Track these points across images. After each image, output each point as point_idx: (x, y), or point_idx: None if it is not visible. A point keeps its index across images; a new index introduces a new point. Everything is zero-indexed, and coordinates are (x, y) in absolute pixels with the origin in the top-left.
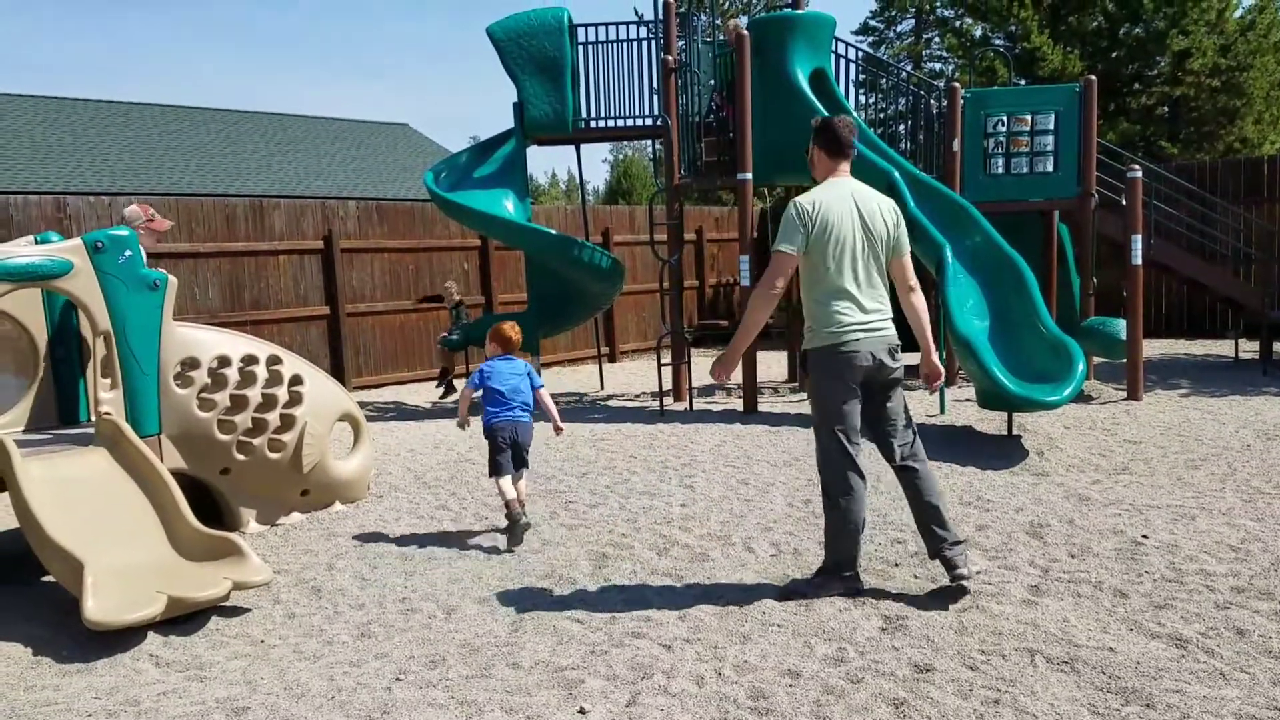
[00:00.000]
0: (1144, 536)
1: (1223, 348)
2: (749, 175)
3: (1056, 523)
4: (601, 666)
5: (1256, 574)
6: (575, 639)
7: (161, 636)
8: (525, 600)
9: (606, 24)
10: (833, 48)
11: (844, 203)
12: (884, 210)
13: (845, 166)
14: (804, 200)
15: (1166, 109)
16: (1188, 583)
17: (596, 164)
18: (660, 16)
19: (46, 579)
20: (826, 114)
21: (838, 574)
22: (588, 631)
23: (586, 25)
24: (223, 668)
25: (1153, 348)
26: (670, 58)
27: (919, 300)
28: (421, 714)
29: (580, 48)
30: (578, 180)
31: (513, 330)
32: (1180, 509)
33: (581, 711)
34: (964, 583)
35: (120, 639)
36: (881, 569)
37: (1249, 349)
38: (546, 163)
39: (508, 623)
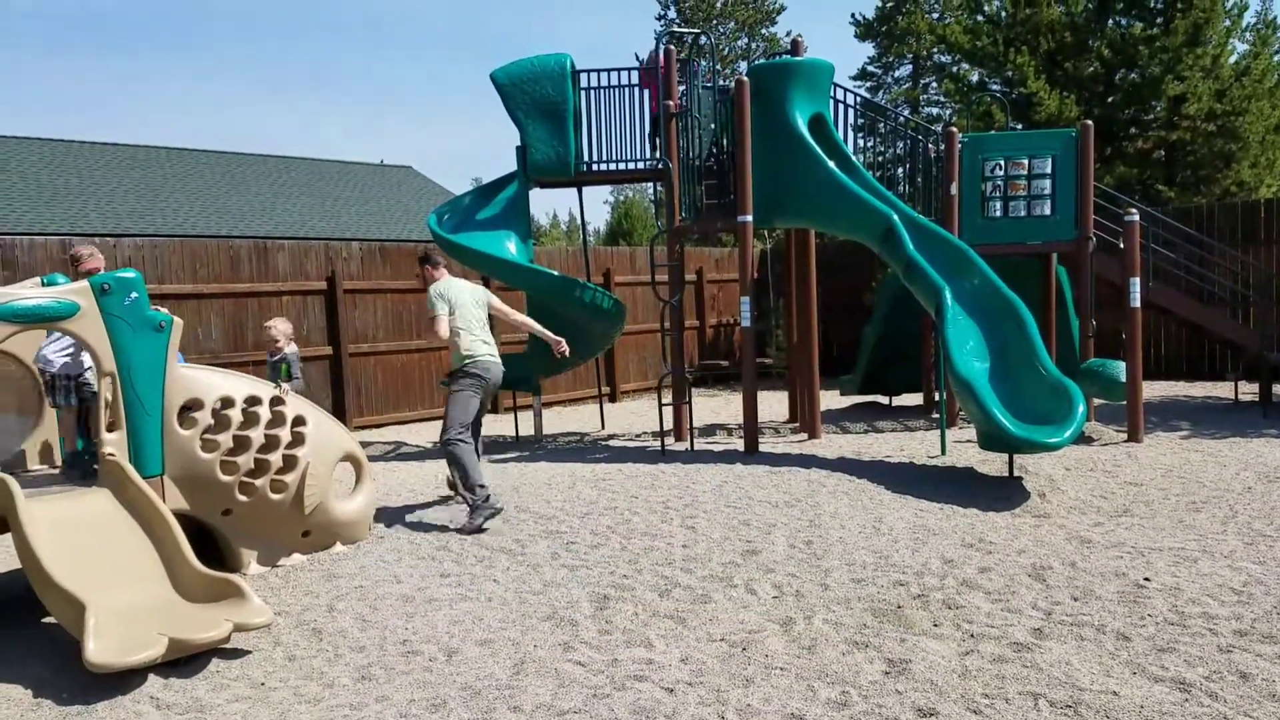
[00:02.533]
0: (1146, 579)
1: (1222, 390)
2: (749, 218)
3: (1059, 565)
4: (604, 710)
5: (1259, 617)
6: (577, 682)
7: (162, 679)
8: (526, 642)
9: (608, 69)
10: (831, 93)
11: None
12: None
13: (444, 271)
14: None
15: (1163, 153)
16: (1190, 626)
17: (597, 205)
18: (661, 62)
19: (48, 620)
20: (826, 159)
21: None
22: (589, 674)
23: (589, 71)
24: (223, 710)
25: (1152, 390)
26: (671, 102)
27: (519, 316)
28: None
29: (582, 93)
30: (579, 221)
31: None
32: (1182, 552)
33: None
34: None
35: (121, 681)
36: (884, 611)
37: (1249, 391)
38: (548, 204)
39: (509, 665)
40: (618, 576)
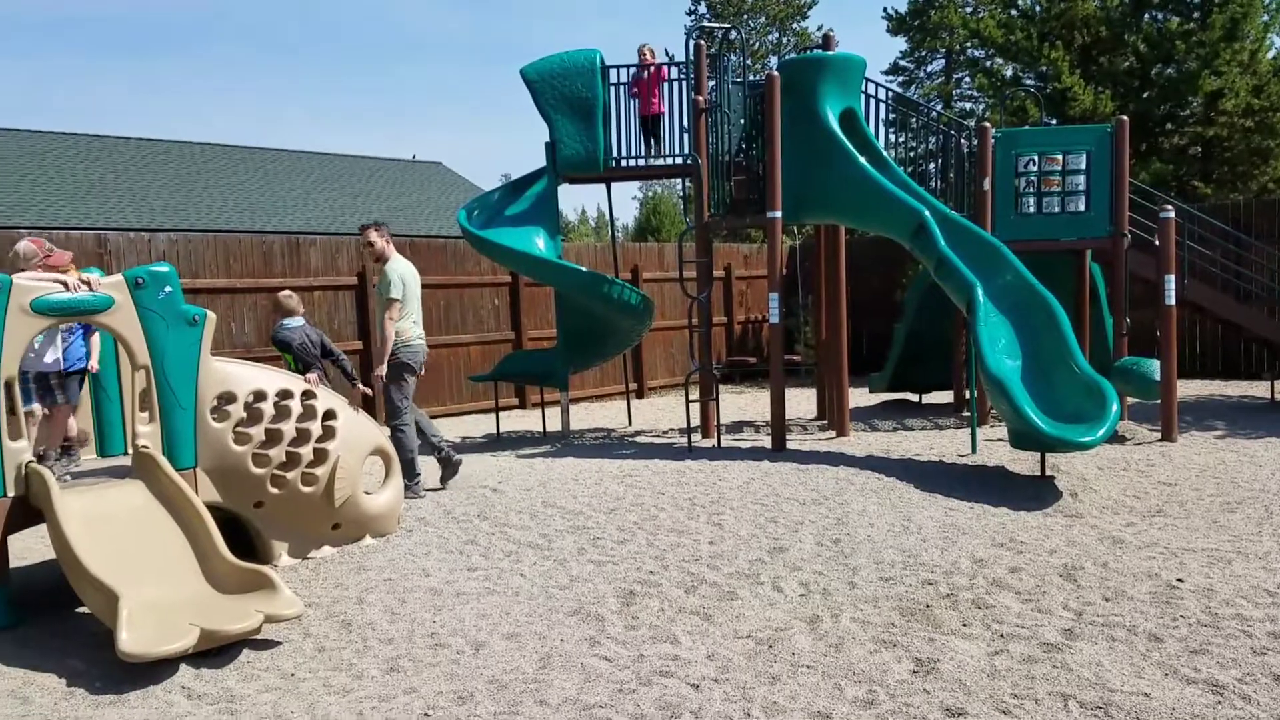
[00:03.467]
0: (1179, 580)
1: (1259, 389)
2: (778, 214)
3: (1090, 565)
4: (629, 705)
5: None
6: (603, 677)
7: (193, 669)
8: (553, 637)
9: (638, 65)
10: (863, 88)
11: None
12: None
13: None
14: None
15: (1199, 149)
16: (1224, 627)
17: (626, 201)
18: (691, 57)
19: (82, 610)
20: (856, 154)
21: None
22: (615, 669)
23: (618, 66)
24: (253, 700)
25: (1187, 389)
26: (701, 98)
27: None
28: None
29: (612, 88)
30: (608, 218)
31: None
32: (1216, 552)
33: None
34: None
35: (153, 671)
36: (913, 610)
37: None
38: (576, 200)
39: (535, 659)
40: (644, 572)
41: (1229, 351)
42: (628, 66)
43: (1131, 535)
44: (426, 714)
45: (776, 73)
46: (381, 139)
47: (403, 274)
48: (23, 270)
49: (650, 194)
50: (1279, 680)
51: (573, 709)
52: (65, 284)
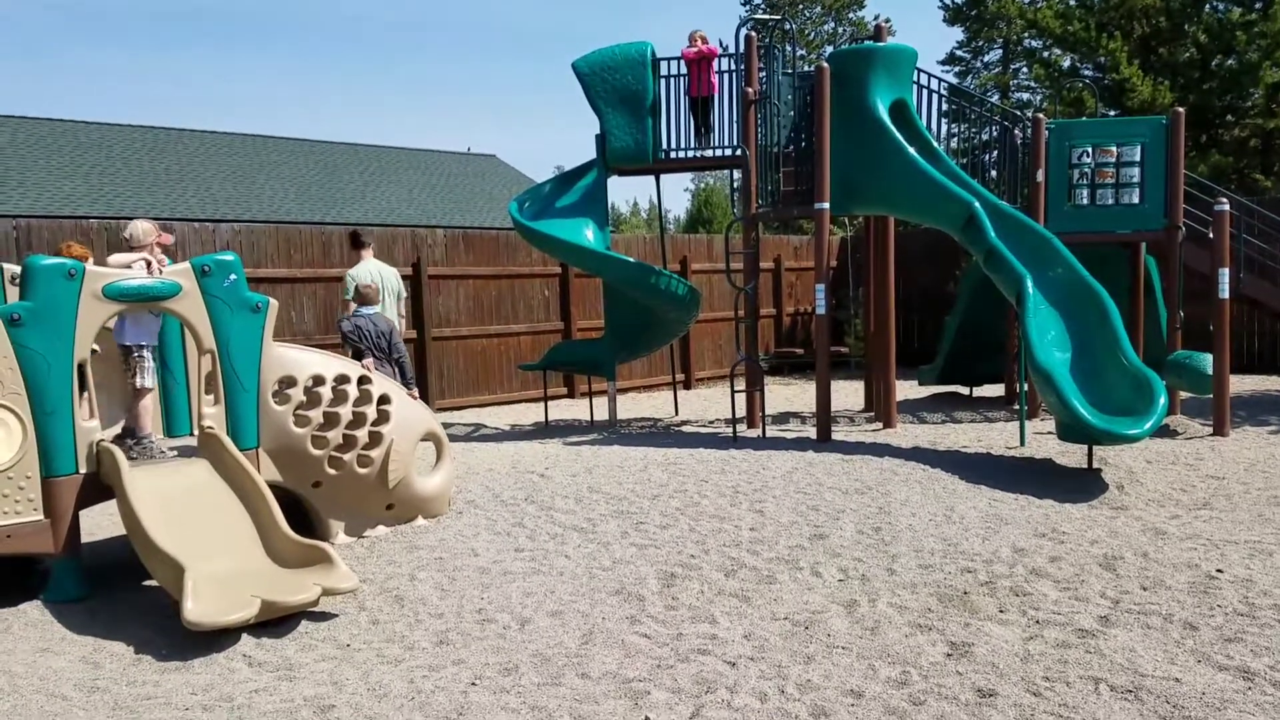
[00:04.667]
0: (1219, 571)
1: None
2: (826, 205)
3: (1131, 555)
4: (667, 680)
5: None
6: (642, 653)
7: (254, 638)
8: (595, 615)
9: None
10: (914, 79)
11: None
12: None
13: (367, 253)
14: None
15: (1260, 141)
16: (1260, 617)
17: (679, 193)
18: (742, 49)
19: (148, 584)
20: (906, 144)
21: None
22: (655, 646)
23: (669, 59)
24: (310, 669)
25: (1243, 384)
26: (750, 90)
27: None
28: (495, 717)
29: (663, 80)
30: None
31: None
32: (1258, 545)
33: None
34: None
35: (216, 639)
36: (950, 596)
37: None
38: (629, 192)
39: (578, 635)
40: (685, 556)
41: None
42: (679, 59)
43: (1175, 527)
44: (474, 683)
45: (826, 64)
46: (440, 131)
47: (356, 276)
48: (136, 249)
49: (702, 185)
50: None
51: (612, 682)
52: (149, 263)
